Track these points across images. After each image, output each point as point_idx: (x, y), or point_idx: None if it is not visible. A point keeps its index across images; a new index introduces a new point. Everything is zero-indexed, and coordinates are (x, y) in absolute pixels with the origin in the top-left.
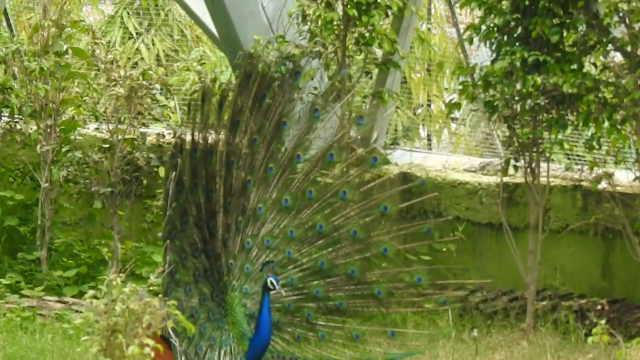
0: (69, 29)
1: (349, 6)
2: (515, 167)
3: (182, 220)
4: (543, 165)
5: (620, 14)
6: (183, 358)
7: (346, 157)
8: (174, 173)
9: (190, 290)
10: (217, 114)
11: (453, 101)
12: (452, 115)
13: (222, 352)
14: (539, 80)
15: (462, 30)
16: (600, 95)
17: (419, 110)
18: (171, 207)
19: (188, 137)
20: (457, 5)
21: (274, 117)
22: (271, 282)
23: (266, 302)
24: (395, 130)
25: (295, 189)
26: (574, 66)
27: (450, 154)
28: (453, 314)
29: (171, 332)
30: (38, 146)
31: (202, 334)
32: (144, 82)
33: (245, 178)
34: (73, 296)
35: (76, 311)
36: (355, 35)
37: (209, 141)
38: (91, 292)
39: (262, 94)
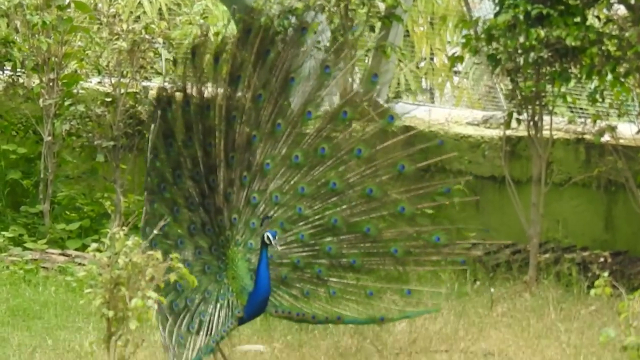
0: None
1: None
2: (518, 120)
3: (174, 173)
4: (546, 118)
5: None
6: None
7: (361, 114)
8: (154, 125)
9: (182, 243)
10: (213, 68)
11: (456, 54)
12: (455, 69)
13: (218, 306)
14: (542, 33)
15: None
16: (603, 48)
17: (422, 64)
18: (156, 158)
19: (178, 91)
20: None
21: (281, 73)
22: (267, 237)
23: (264, 257)
24: (398, 83)
25: (306, 146)
26: (578, 19)
27: (453, 107)
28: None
29: None
30: (40, 100)
31: (194, 287)
32: (147, 36)
33: (250, 133)
34: (76, 249)
35: (79, 264)
36: None
37: (205, 95)
38: (94, 245)
39: (266, 49)
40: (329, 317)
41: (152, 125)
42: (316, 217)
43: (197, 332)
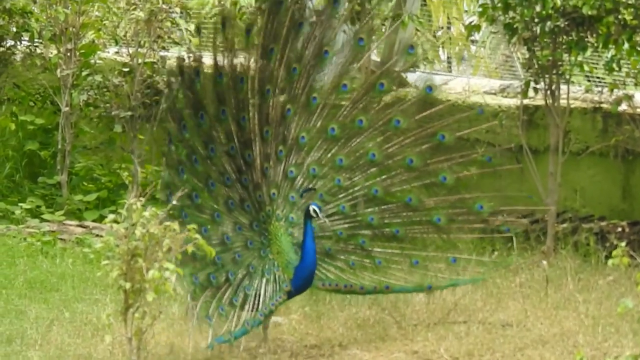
0: None
1: None
2: (535, 90)
3: (207, 146)
4: (563, 87)
5: None
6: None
7: (398, 85)
8: (170, 93)
9: (219, 217)
10: (245, 40)
11: (473, 23)
12: (472, 38)
13: (264, 280)
14: (558, 2)
15: None
16: (620, 17)
17: (439, 33)
18: (184, 129)
19: (208, 61)
20: None
21: (314, 46)
22: (314, 210)
23: (309, 230)
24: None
25: (343, 118)
26: None
27: (471, 76)
28: (516, 241)
29: None
30: (58, 70)
31: (236, 261)
32: (164, 6)
33: (285, 107)
34: (93, 220)
35: (96, 235)
36: None
37: (237, 68)
38: (111, 216)
39: (299, 21)
40: (378, 287)
41: (168, 94)
42: (356, 188)
43: (242, 306)
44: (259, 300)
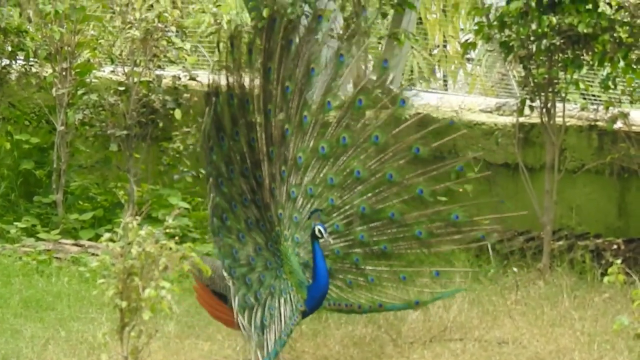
0: None
1: None
2: (531, 107)
3: (227, 168)
4: (559, 105)
5: None
6: (239, 301)
7: (374, 101)
8: (209, 111)
9: (243, 238)
10: (248, 60)
11: (469, 41)
12: (468, 56)
13: (282, 300)
14: (554, 20)
15: None
16: (615, 35)
17: (435, 51)
18: (212, 151)
19: (223, 82)
20: None
21: (303, 64)
22: (319, 230)
23: (319, 250)
24: (412, 71)
25: (330, 136)
26: (589, 6)
27: (466, 94)
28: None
29: (226, 274)
30: (54, 89)
31: (261, 282)
32: (160, 25)
33: (284, 127)
34: (89, 239)
35: (92, 254)
36: None
37: (245, 88)
38: (107, 235)
39: (290, 38)
40: (372, 306)
41: (205, 117)
42: (347, 206)
43: (269, 326)
44: (281, 321)
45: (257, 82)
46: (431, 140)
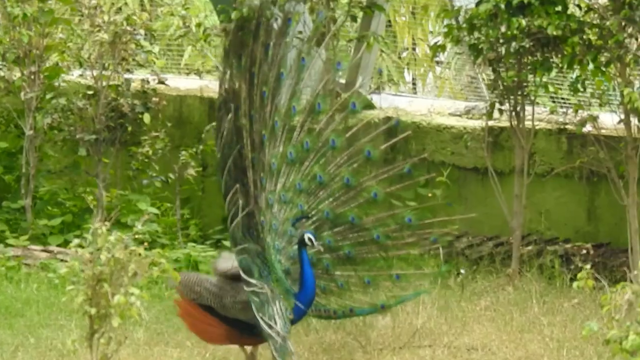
0: None
1: None
2: (500, 111)
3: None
4: (528, 108)
5: None
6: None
7: (331, 104)
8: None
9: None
10: (238, 64)
11: (438, 44)
12: (437, 59)
13: (277, 309)
14: (523, 22)
15: None
16: (584, 37)
17: (404, 54)
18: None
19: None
20: None
21: (275, 68)
22: (309, 238)
23: (306, 258)
24: (380, 74)
25: (295, 142)
26: (559, 8)
27: (435, 97)
28: (443, 254)
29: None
30: (22, 93)
31: (265, 289)
32: (128, 28)
33: (262, 132)
34: (58, 245)
35: (61, 260)
36: None
37: (237, 93)
38: (76, 240)
39: (267, 42)
40: (345, 311)
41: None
42: (313, 212)
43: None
44: (281, 328)
45: (243, 86)
46: (381, 142)
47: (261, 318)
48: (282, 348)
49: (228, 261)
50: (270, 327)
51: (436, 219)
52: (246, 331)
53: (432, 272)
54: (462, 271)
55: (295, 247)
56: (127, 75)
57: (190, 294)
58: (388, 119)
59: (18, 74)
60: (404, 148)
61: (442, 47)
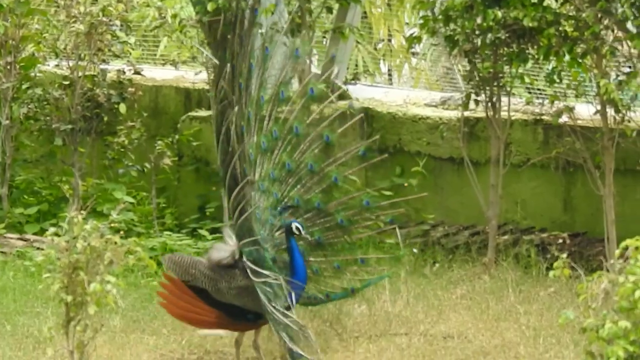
0: None
1: None
2: (476, 102)
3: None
4: (504, 99)
5: None
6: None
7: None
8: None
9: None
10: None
11: (413, 35)
12: (413, 50)
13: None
14: (499, 14)
15: None
16: (560, 28)
17: (380, 45)
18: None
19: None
20: None
21: (246, 59)
22: (297, 227)
23: (295, 247)
24: (356, 65)
25: (266, 131)
26: (535, 0)
27: (411, 88)
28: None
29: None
30: None
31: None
32: (104, 19)
33: (240, 123)
34: (34, 233)
35: (38, 248)
36: None
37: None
38: (52, 229)
39: (241, 34)
40: (322, 297)
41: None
42: (285, 200)
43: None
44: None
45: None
46: (360, 134)
47: (275, 308)
48: (301, 336)
49: (221, 251)
50: (286, 316)
51: (390, 200)
52: (238, 317)
53: (392, 256)
54: (415, 250)
55: (278, 234)
56: (103, 66)
57: (184, 275)
58: (364, 109)
59: None
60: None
61: (418, 39)
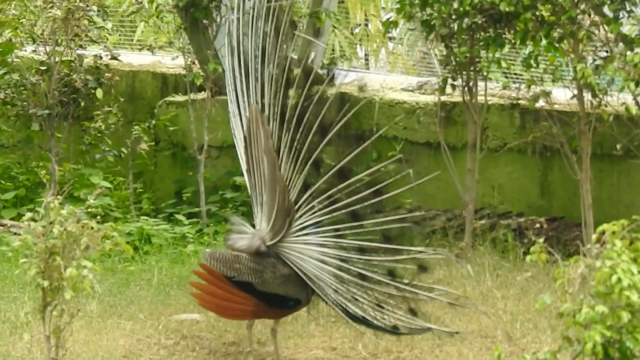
0: None
1: None
2: (453, 86)
3: None
4: (481, 84)
5: None
6: None
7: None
8: None
9: None
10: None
11: (390, 20)
12: (390, 35)
13: None
14: None
15: None
16: (537, 13)
17: (357, 30)
18: None
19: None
20: None
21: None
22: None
23: None
24: (333, 50)
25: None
26: None
27: (388, 73)
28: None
29: None
30: None
31: None
32: (81, 4)
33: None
34: (11, 219)
35: (14, 234)
36: None
37: None
38: (29, 214)
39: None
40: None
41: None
42: None
43: None
44: None
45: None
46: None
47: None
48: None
49: (244, 239)
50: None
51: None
52: (276, 305)
53: None
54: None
55: None
56: (79, 51)
57: (229, 272)
58: (340, 94)
59: None
60: (356, 125)
61: (395, 23)
